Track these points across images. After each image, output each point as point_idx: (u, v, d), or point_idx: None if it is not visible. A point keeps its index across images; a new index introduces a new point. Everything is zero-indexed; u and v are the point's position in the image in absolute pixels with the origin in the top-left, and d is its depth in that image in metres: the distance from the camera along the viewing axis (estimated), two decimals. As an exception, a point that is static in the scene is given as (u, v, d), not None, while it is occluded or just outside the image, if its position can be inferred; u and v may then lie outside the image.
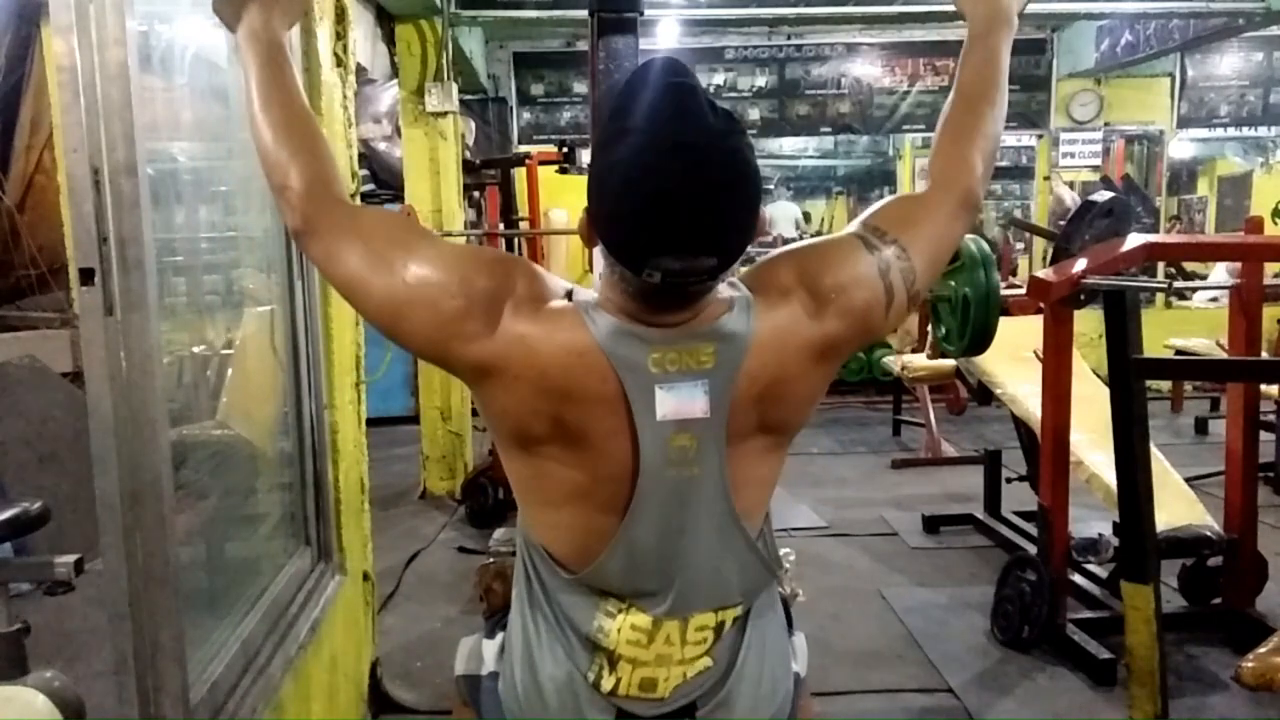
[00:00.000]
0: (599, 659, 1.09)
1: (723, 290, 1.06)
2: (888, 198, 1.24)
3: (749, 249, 1.03)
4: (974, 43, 1.21)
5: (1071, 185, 7.56)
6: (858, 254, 1.09)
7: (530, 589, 1.13)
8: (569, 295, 1.05)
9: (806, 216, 12.47)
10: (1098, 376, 3.46)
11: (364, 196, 5.17)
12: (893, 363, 5.67)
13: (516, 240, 5.20)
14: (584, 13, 2.17)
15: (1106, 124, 7.56)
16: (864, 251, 1.09)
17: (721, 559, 1.09)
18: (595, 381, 1.00)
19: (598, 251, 1.04)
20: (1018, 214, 9.66)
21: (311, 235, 1.05)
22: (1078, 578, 3.32)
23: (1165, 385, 6.98)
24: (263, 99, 1.09)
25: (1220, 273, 6.98)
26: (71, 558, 1.38)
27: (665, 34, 6.82)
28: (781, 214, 10.93)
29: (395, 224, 1.09)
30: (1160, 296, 7.42)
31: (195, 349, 1.92)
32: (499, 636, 1.23)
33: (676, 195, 0.92)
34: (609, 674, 1.09)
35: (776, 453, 1.13)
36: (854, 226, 1.14)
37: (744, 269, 1.13)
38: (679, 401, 1.01)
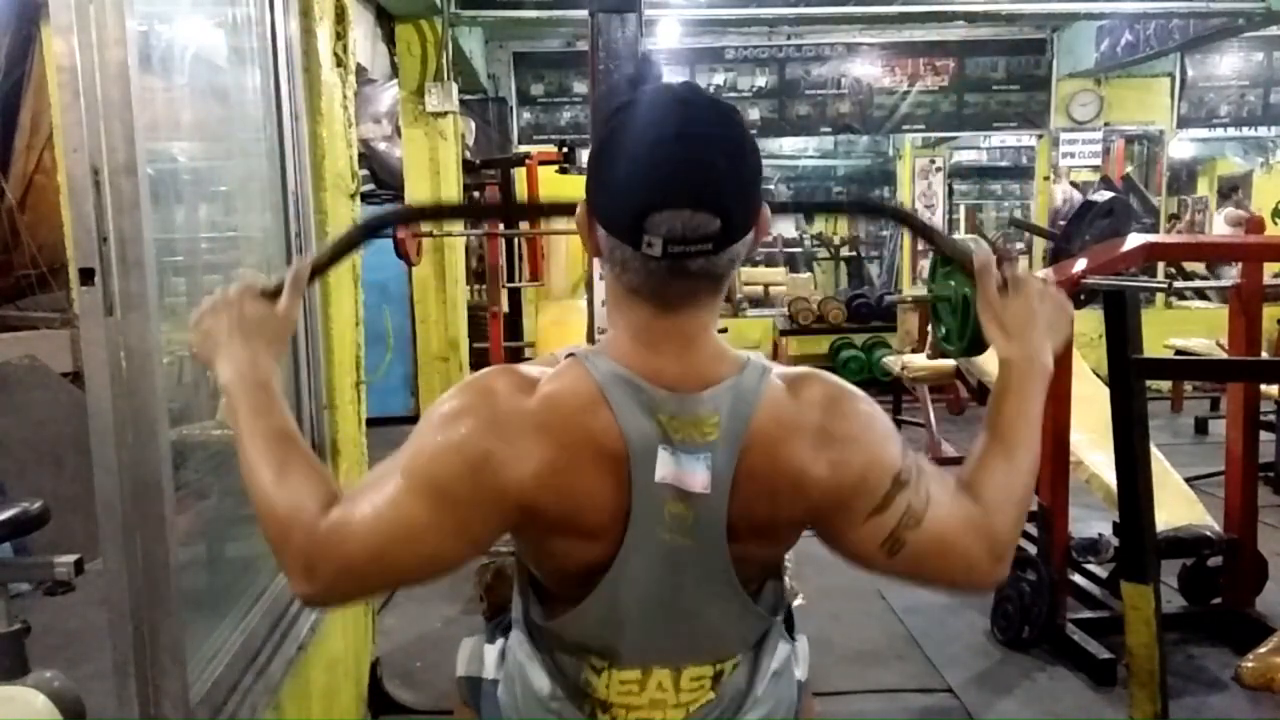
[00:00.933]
0: (590, 705, 1.06)
1: (739, 351, 1.02)
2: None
3: (755, 253, 1.01)
4: (1008, 385, 1.11)
5: (1075, 186, 7.56)
6: (892, 443, 1.01)
7: (526, 608, 1.09)
8: (570, 355, 1.01)
9: (808, 217, 12.48)
10: (1098, 376, 3.46)
11: (364, 196, 5.17)
12: (893, 363, 5.67)
13: (516, 240, 5.21)
14: (584, 13, 2.18)
15: (1106, 124, 7.56)
16: (898, 450, 1.01)
17: (718, 621, 1.03)
18: (601, 431, 0.95)
19: (602, 293, 1.00)
20: (1018, 214, 9.66)
21: (320, 600, 1.00)
22: (1078, 578, 3.32)
23: (1165, 385, 6.98)
24: (257, 452, 1.01)
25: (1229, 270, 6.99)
26: (71, 558, 1.38)
27: (665, 34, 6.82)
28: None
29: (373, 481, 0.98)
30: (1160, 296, 7.42)
31: (195, 349, 1.92)
32: (499, 642, 1.21)
33: (671, 138, 0.91)
34: (603, 714, 1.06)
35: (777, 547, 1.07)
36: (902, 444, 1.04)
37: (746, 269, 1.11)
38: (680, 470, 0.95)
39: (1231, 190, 9.74)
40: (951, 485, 1.06)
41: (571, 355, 1.01)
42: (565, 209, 1.07)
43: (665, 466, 0.95)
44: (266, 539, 0.98)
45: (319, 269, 1.21)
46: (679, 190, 0.90)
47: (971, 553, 1.02)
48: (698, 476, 0.95)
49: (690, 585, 1.00)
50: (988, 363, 3.78)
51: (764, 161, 1.01)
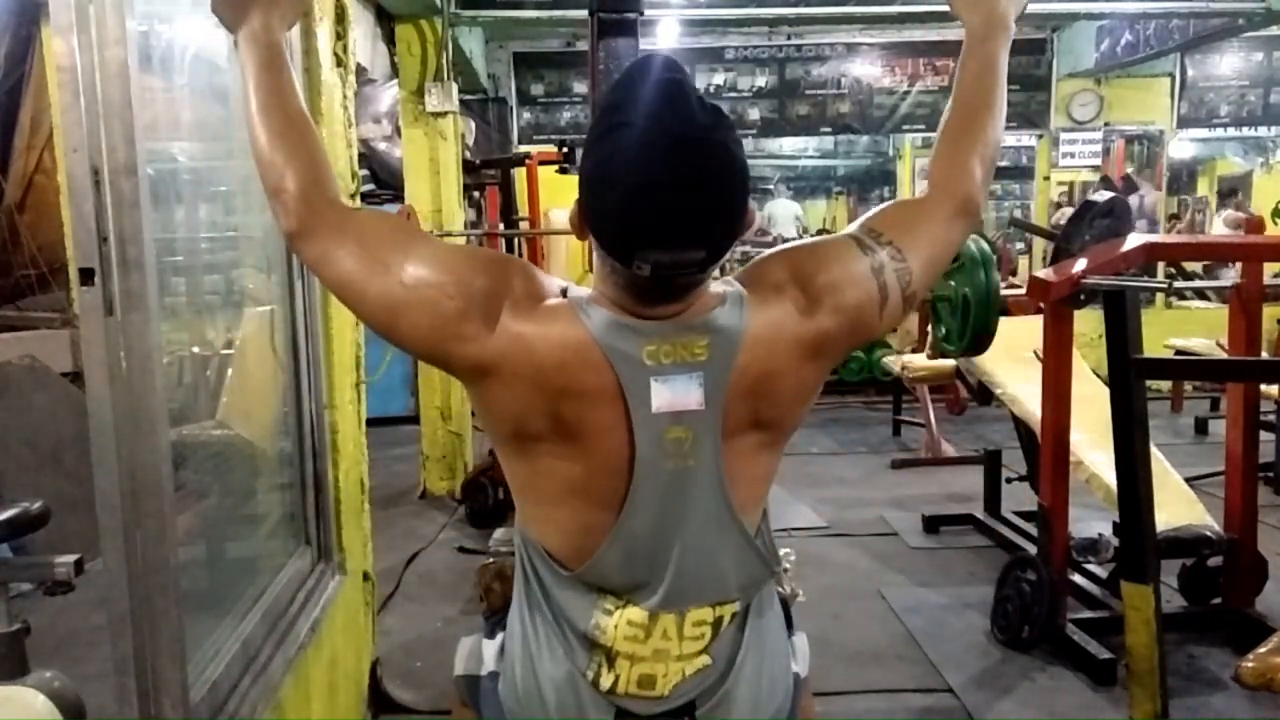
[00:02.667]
0: (597, 656, 1.10)
1: (715, 285, 1.08)
2: (887, 202, 1.24)
3: (748, 248, 1.03)
4: (972, 49, 1.21)
5: (1071, 187, 7.56)
6: (852, 254, 1.10)
7: (529, 588, 1.13)
8: (564, 293, 1.06)
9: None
10: (1098, 376, 3.46)
11: (364, 196, 5.16)
12: (893, 363, 5.67)
13: (516, 240, 5.20)
14: (584, 13, 2.18)
15: (1106, 124, 7.56)
16: (858, 251, 1.10)
17: (718, 553, 1.09)
18: (591, 375, 1.01)
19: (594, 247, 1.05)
20: (1018, 214, 9.66)
21: (305, 237, 1.05)
22: (1078, 578, 3.32)
23: (1165, 385, 6.98)
24: (260, 101, 1.08)
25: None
26: (71, 558, 1.38)
27: (665, 34, 6.82)
28: (781, 212, 10.92)
29: (391, 225, 1.10)
30: (1160, 296, 7.42)
31: (195, 349, 1.92)
32: (499, 636, 1.23)
33: (662, 188, 0.94)
34: (607, 671, 1.09)
35: (771, 450, 1.13)
36: (851, 228, 1.15)
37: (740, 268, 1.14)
38: (674, 394, 1.02)
39: (1231, 193, 9.74)
40: (906, 206, 1.21)
41: (564, 293, 1.06)
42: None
43: (659, 395, 1.02)
44: (264, 183, 1.07)
45: None
46: (668, 235, 0.96)
47: (955, 237, 1.17)
48: (691, 395, 1.02)
49: (695, 509, 1.06)
50: (988, 363, 3.78)
51: (764, 162, 1.04)
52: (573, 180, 1.05)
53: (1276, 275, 4.16)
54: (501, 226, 5.19)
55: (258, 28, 1.11)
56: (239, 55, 1.12)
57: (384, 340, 1.06)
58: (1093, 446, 3.22)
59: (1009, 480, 4.18)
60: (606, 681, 1.09)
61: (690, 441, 1.03)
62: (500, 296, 1.01)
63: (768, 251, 1.15)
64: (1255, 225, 5.87)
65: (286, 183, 1.05)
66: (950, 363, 4.85)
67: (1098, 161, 7.59)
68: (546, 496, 1.09)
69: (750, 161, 1.03)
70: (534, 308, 1.02)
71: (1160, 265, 6.89)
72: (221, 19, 1.14)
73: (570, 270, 6.90)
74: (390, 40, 5.04)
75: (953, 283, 3.28)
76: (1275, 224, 8.34)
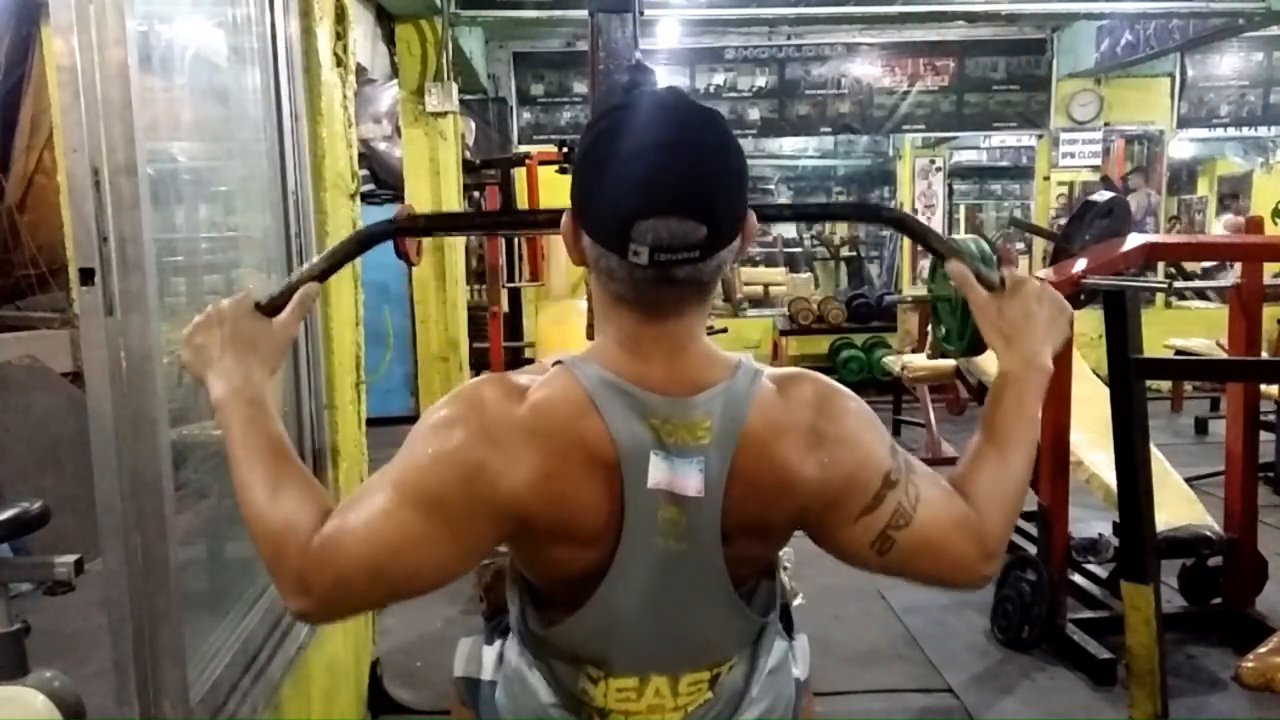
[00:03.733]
0: (588, 712, 1.06)
1: (729, 354, 1.01)
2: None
3: (751, 250, 1.01)
4: (1006, 385, 1.11)
5: (1071, 187, 7.56)
6: (882, 443, 1.01)
7: (524, 615, 1.09)
8: (558, 363, 1.00)
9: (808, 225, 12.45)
10: (1098, 376, 3.46)
11: (364, 197, 5.17)
12: (893, 363, 5.67)
13: (516, 240, 5.20)
14: (584, 13, 2.17)
15: (1106, 124, 7.56)
16: (888, 450, 1.01)
17: (715, 627, 1.03)
18: (592, 438, 0.94)
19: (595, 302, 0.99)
20: (1018, 214, 9.66)
21: (323, 607, 0.96)
22: (1078, 578, 3.32)
23: (1165, 385, 6.98)
24: (248, 468, 0.99)
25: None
26: (71, 558, 1.38)
27: (665, 34, 6.82)
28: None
29: (366, 493, 0.97)
30: (1160, 296, 7.42)
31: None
32: (497, 644, 1.21)
33: (657, 145, 0.90)
34: None
35: (770, 547, 1.07)
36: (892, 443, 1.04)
37: (745, 269, 1.11)
38: (674, 475, 0.94)
39: (1231, 198, 9.74)
40: (943, 484, 1.06)
41: (559, 363, 0.99)
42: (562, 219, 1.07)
43: (658, 472, 0.94)
44: (260, 556, 0.97)
45: (322, 279, 1.17)
46: (665, 197, 0.89)
47: (961, 551, 1.02)
48: (691, 480, 0.94)
49: (685, 590, 0.99)
50: (988, 363, 3.78)
51: (764, 162, 1.01)
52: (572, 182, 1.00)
53: (1276, 275, 4.16)
54: (501, 226, 5.18)
55: (238, 382, 1.04)
56: (218, 415, 1.03)
57: (454, 576, 0.97)
58: (1093, 446, 3.23)
59: (1009, 480, 4.17)
60: None
61: (685, 526, 0.96)
62: (484, 417, 0.94)
63: (814, 374, 1.05)
64: (1255, 225, 5.87)
65: (284, 559, 0.94)
66: (950, 363, 4.86)
67: (1098, 161, 7.59)
68: (542, 567, 1.03)
69: (750, 161, 1.01)
70: (523, 395, 0.96)
71: (1160, 265, 6.90)
72: (194, 375, 1.07)
73: (570, 271, 6.89)
74: (390, 40, 5.04)
75: (953, 283, 3.28)
76: (1275, 224, 8.34)
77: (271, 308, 1.10)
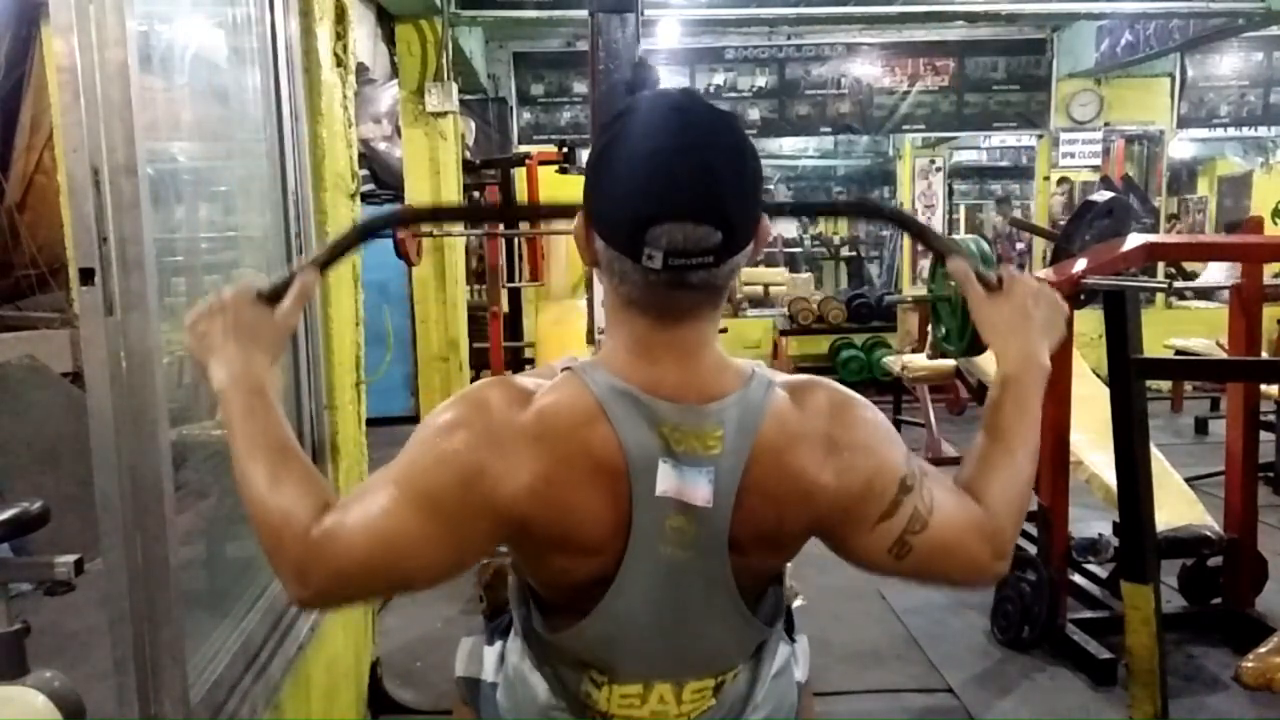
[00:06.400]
0: (591, 715, 1.06)
1: (742, 362, 1.02)
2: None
3: (758, 256, 1.00)
4: (1005, 385, 1.12)
5: (1071, 186, 7.57)
6: (897, 449, 1.01)
7: (526, 618, 1.09)
8: (567, 369, 0.99)
9: (812, 219, 12.47)
10: (1098, 376, 3.46)
11: (364, 197, 5.17)
12: (893, 363, 5.67)
13: (516, 240, 5.20)
14: (584, 13, 2.18)
15: (1106, 124, 7.56)
16: (903, 455, 1.01)
17: (719, 636, 1.03)
18: (600, 444, 0.94)
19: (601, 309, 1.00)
20: (1018, 214, 9.66)
21: (321, 596, 0.97)
22: (1078, 578, 3.32)
23: (1165, 385, 6.98)
24: (249, 455, 1.00)
25: (1213, 272, 6.98)
26: (71, 558, 1.37)
27: (665, 34, 6.82)
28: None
29: (369, 489, 0.97)
30: (1160, 296, 7.42)
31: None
32: (498, 644, 1.21)
33: (672, 149, 0.90)
34: None
35: (779, 558, 1.06)
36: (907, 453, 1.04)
37: (748, 269, 1.11)
38: (683, 483, 0.94)
39: (1234, 227, 9.70)
40: (953, 487, 1.06)
41: (568, 368, 0.99)
42: (565, 211, 1.05)
43: (667, 480, 0.94)
44: (260, 544, 0.97)
45: (323, 269, 1.18)
46: (680, 202, 0.88)
47: (975, 552, 1.03)
48: (700, 490, 0.94)
49: (691, 599, 0.99)
50: (987, 363, 3.78)
51: (764, 162, 1.00)
52: (573, 180, 1.02)
53: (1276, 275, 4.16)
54: (501, 226, 5.19)
55: (239, 371, 1.04)
56: (220, 403, 1.04)
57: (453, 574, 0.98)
58: (1093, 446, 3.23)
59: (1009, 480, 4.17)
60: None
61: (692, 535, 0.95)
62: (488, 420, 0.94)
63: (828, 381, 1.05)
64: (1255, 225, 5.86)
65: (283, 547, 0.95)
66: (950, 363, 4.86)
67: (1098, 161, 7.60)
68: (545, 573, 1.03)
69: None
70: (529, 399, 0.96)
71: (1160, 265, 6.90)
72: (201, 364, 1.07)
73: (570, 271, 6.89)
74: (390, 40, 5.04)
75: (953, 283, 3.28)
76: (1275, 224, 8.34)
77: (273, 296, 1.10)
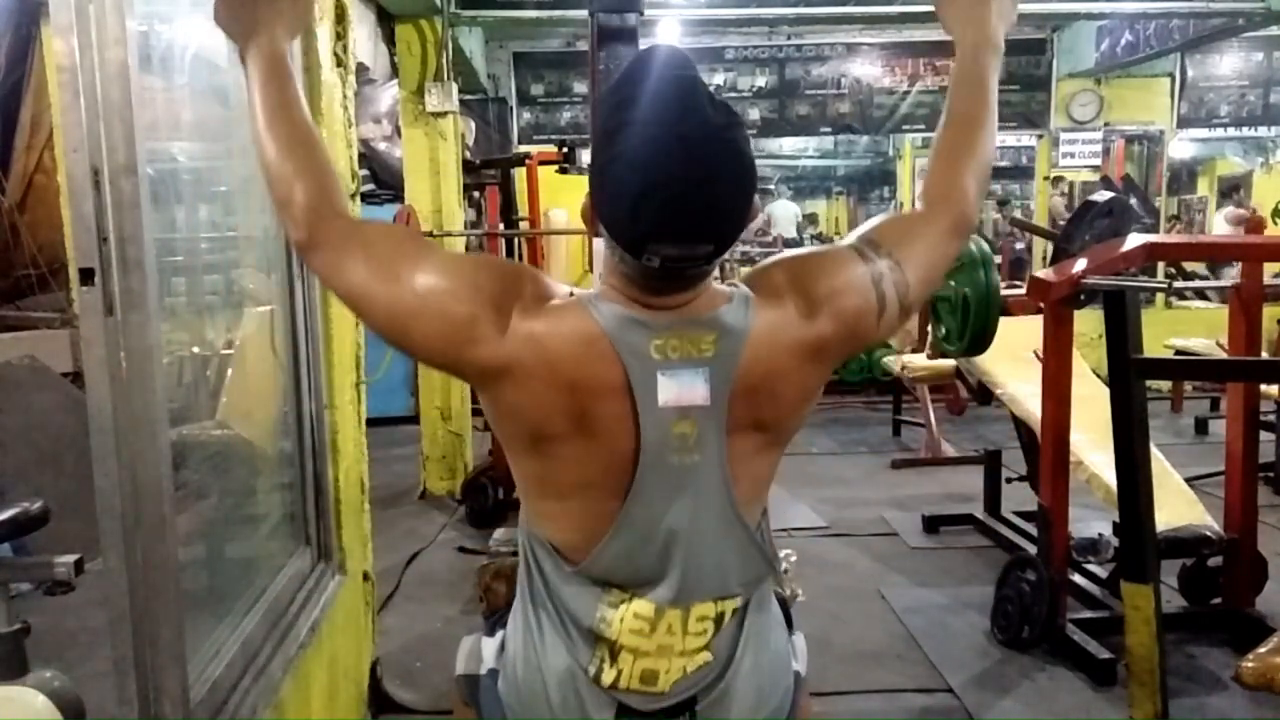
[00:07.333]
0: (600, 651, 1.10)
1: (721, 285, 1.10)
2: (882, 216, 1.27)
3: (749, 248, 1.04)
4: (963, 67, 1.25)
5: (1071, 186, 7.57)
6: (852, 263, 1.13)
7: (532, 584, 1.14)
8: (571, 294, 1.08)
9: (812, 218, 12.47)
10: (1098, 376, 3.46)
11: (364, 197, 5.16)
12: (893, 363, 5.67)
13: (516, 240, 5.20)
14: (584, 13, 2.17)
15: (1106, 124, 7.56)
16: (858, 261, 1.13)
17: (722, 548, 1.10)
18: (601, 368, 1.03)
19: (599, 243, 1.08)
20: (1018, 214, 9.66)
21: (315, 248, 1.06)
22: (1078, 578, 3.32)
23: (1165, 385, 6.98)
24: (267, 115, 1.09)
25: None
26: (71, 558, 1.37)
27: (665, 34, 6.81)
28: (781, 213, 10.93)
29: (400, 236, 1.12)
30: (1160, 296, 7.42)
31: (195, 349, 1.92)
32: (499, 634, 1.23)
33: (676, 186, 0.96)
34: (610, 666, 1.10)
35: (772, 450, 1.15)
36: (849, 239, 1.17)
37: (744, 270, 1.15)
38: (681, 388, 1.03)
39: (1232, 190, 9.74)
40: (903, 220, 1.26)
41: (573, 294, 1.08)
42: None
43: (666, 390, 1.03)
44: (272, 196, 1.09)
45: None
46: (680, 229, 0.98)
47: (951, 251, 1.20)
48: (697, 390, 1.04)
49: (699, 504, 1.08)
50: (988, 363, 3.78)
51: (764, 162, 1.04)
52: (573, 181, 1.05)
53: (1276, 275, 4.16)
54: (501, 226, 5.19)
55: (262, 39, 1.12)
56: (245, 68, 1.13)
57: (396, 350, 1.08)
58: (1093, 446, 3.22)
59: (1009, 480, 4.17)
60: (609, 677, 1.10)
61: (695, 436, 1.05)
62: (510, 299, 1.03)
63: (771, 258, 1.18)
64: (1255, 225, 5.87)
65: (295, 194, 1.06)
66: (950, 363, 4.85)
67: (1098, 162, 7.60)
68: (554, 491, 1.10)
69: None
70: (543, 307, 1.04)
71: (1160, 265, 6.90)
72: (226, 31, 1.15)
73: (570, 271, 6.89)
74: (390, 40, 5.04)
75: (953, 283, 3.28)
76: (1275, 224, 8.34)
77: None
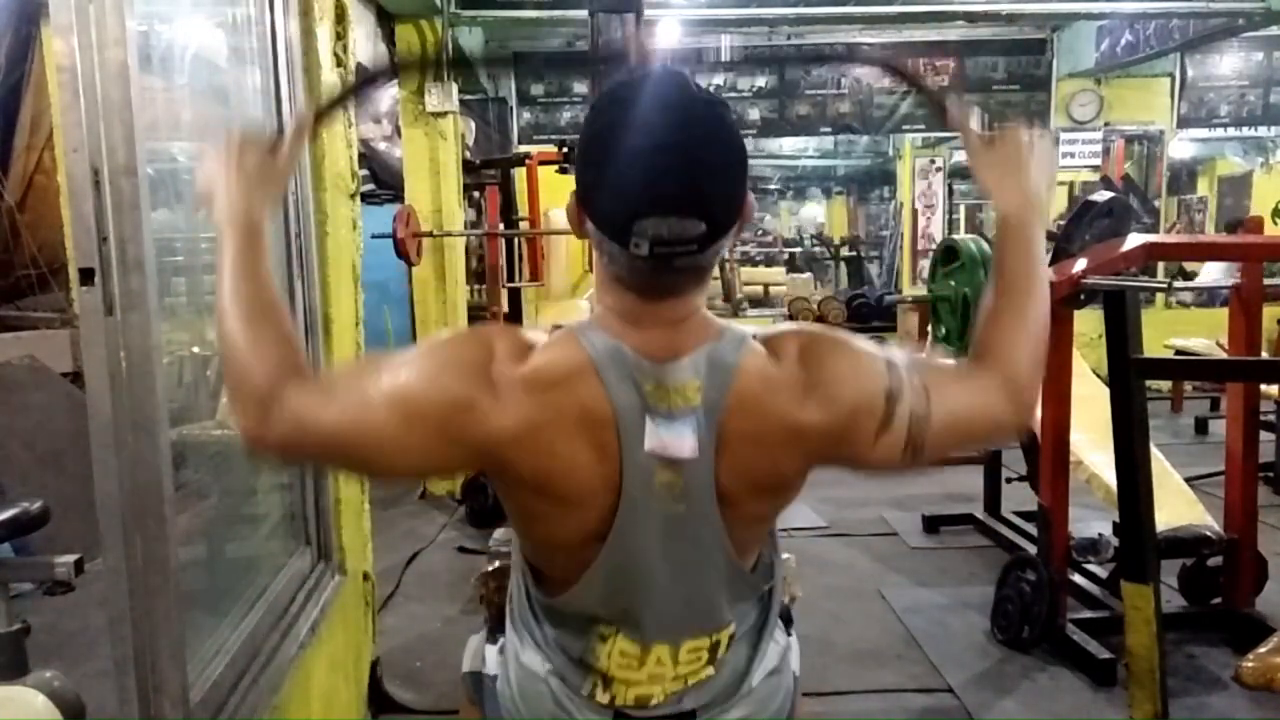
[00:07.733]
0: (593, 678, 1.09)
1: (722, 322, 1.05)
2: (929, 354, 1.15)
3: (750, 249, 1.02)
4: (1006, 230, 1.14)
5: (1071, 186, 7.57)
6: (873, 365, 1.03)
7: (523, 605, 1.13)
8: (556, 328, 1.04)
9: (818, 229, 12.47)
10: (1098, 376, 3.46)
11: (364, 197, 5.16)
12: (893, 363, 5.66)
13: (516, 240, 5.20)
14: (584, 13, 2.18)
15: (1106, 124, 7.56)
16: (882, 368, 1.02)
17: (713, 591, 1.07)
18: (591, 401, 0.98)
19: (597, 266, 1.03)
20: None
21: (263, 440, 0.98)
22: (1078, 578, 3.32)
23: (1165, 385, 6.98)
24: (233, 283, 1.05)
25: (1211, 271, 6.98)
26: (71, 558, 1.38)
27: (665, 34, 6.81)
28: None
29: (355, 371, 1.06)
30: (1160, 296, 7.42)
31: (195, 349, 1.92)
32: (500, 641, 1.23)
33: (660, 155, 0.93)
34: (603, 691, 1.09)
35: (773, 496, 1.09)
36: (890, 352, 1.07)
37: (745, 270, 1.12)
38: (668, 437, 0.98)
39: (1234, 226, 9.69)
40: (950, 363, 1.12)
41: (559, 328, 1.04)
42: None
43: (653, 438, 0.98)
44: (226, 373, 1.02)
45: (319, 119, 1.28)
46: (665, 199, 0.93)
47: (993, 412, 1.07)
48: (685, 442, 0.98)
49: (685, 551, 1.03)
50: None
51: (764, 162, 1.02)
52: (573, 180, 1.03)
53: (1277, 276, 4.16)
54: (501, 226, 5.19)
55: (240, 208, 1.09)
56: (217, 236, 1.10)
57: (416, 478, 1.03)
58: (1093, 446, 3.23)
59: (1009, 480, 4.17)
60: (603, 698, 1.09)
61: (681, 488, 1.00)
62: (486, 361, 0.98)
63: (797, 325, 1.09)
64: (1255, 225, 5.87)
65: (250, 373, 0.99)
66: (950, 363, 4.84)
67: (1098, 161, 7.60)
68: (540, 530, 1.07)
69: (750, 162, 1.02)
70: (530, 352, 0.99)
71: (1160, 265, 6.90)
72: (205, 197, 1.12)
73: (570, 271, 6.89)
74: (390, 40, 5.04)
75: (953, 283, 3.28)
76: (1275, 224, 8.34)
77: (275, 146, 1.16)
